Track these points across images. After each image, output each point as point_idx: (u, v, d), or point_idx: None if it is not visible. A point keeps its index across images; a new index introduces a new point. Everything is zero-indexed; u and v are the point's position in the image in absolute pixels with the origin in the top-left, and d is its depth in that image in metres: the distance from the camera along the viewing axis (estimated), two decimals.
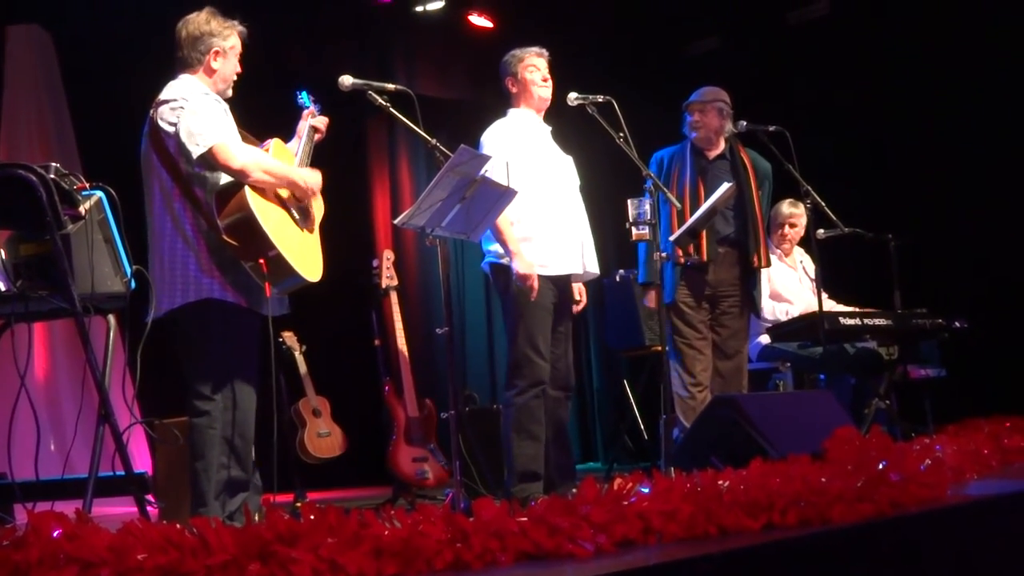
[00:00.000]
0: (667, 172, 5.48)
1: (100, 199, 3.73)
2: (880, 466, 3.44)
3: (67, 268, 3.52)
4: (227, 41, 4.10)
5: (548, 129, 5.12)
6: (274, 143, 4.19)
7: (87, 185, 3.70)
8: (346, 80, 4.16)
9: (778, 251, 6.57)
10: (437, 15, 8.21)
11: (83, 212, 3.63)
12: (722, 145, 5.63)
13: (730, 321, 5.53)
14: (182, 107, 3.90)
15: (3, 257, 3.63)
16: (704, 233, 5.34)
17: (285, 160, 4.17)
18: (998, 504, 3.54)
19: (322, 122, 4.46)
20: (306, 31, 7.60)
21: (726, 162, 5.60)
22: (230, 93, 4.15)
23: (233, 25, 4.13)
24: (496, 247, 4.86)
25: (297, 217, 4.08)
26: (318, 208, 4.25)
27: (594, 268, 5.06)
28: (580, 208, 5.09)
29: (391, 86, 4.23)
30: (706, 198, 5.31)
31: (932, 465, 3.63)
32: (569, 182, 5.09)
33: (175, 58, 4.09)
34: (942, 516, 3.29)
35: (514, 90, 5.07)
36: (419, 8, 8.15)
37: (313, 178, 4.15)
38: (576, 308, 5.14)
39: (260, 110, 4.38)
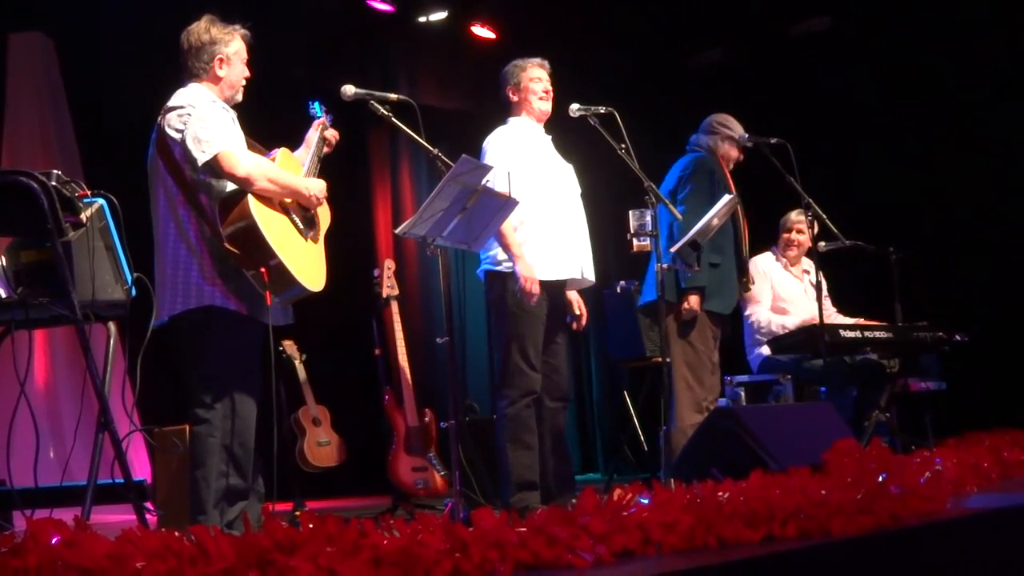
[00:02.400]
0: (720, 181, 5.53)
1: (101, 206, 3.74)
2: (880, 479, 3.43)
3: (68, 275, 3.51)
4: (230, 47, 4.10)
5: (549, 138, 5.13)
6: (281, 152, 4.18)
7: (88, 192, 3.70)
8: (348, 89, 4.16)
9: (783, 259, 6.58)
10: (440, 25, 8.23)
11: (84, 219, 3.63)
12: None
13: (721, 336, 5.57)
14: (189, 114, 3.91)
15: (4, 264, 3.63)
16: (745, 246, 5.47)
17: (292, 170, 4.17)
18: (998, 517, 3.53)
19: (333, 134, 4.45)
20: (308, 41, 7.62)
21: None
22: (240, 98, 4.15)
23: (234, 30, 4.13)
24: (493, 253, 4.86)
25: (301, 227, 4.08)
26: (324, 218, 4.24)
27: (590, 276, 5.06)
28: (580, 215, 5.09)
29: (393, 96, 4.24)
30: (741, 211, 5.40)
31: (932, 478, 3.63)
32: (570, 189, 5.09)
33: (182, 68, 4.09)
34: (942, 529, 3.29)
35: (515, 99, 5.07)
36: (422, 18, 8.17)
37: (317, 186, 4.14)
38: (578, 324, 5.13)
39: (261, 119, 4.38)
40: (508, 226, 4.72)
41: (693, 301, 5.34)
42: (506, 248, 4.78)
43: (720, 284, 5.42)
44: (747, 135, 5.63)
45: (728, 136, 5.70)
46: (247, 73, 4.17)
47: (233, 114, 4.08)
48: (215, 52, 4.06)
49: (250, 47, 4.18)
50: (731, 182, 5.60)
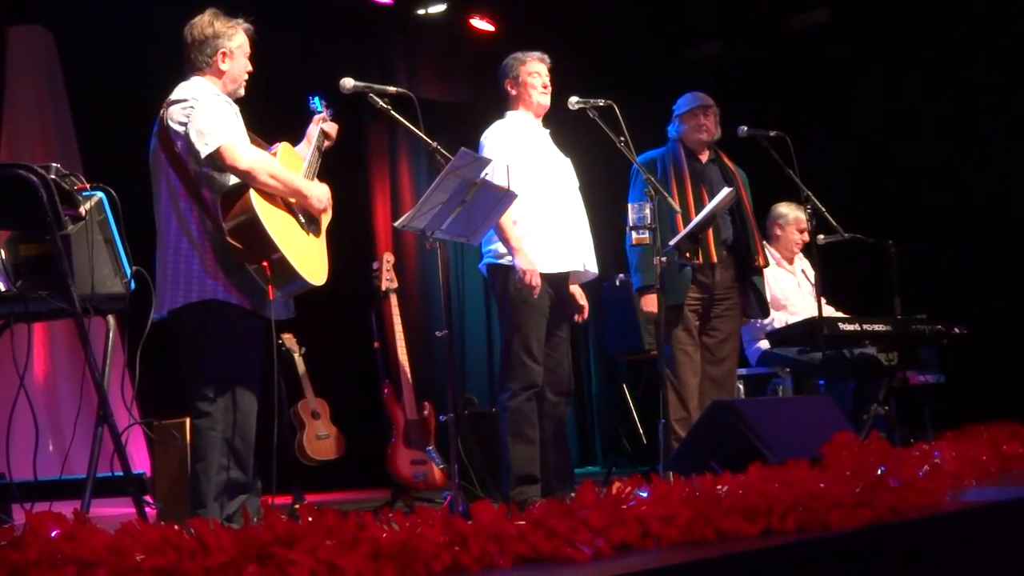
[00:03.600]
0: (663, 175, 5.48)
1: (100, 200, 3.73)
2: (879, 472, 3.44)
3: (67, 269, 3.52)
4: (233, 41, 4.09)
5: (547, 131, 5.14)
6: (282, 147, 4.18)
7: (88, 186, 3.70)
8: (347, 82, 4.16)
9: (776, 255, 6.58)
10: (439, 18, 8.22)
11: (83, 213, 3.63)
12: (708, 151, 5.65)
13: (723, 324, 5.54)
14: (192, 107, 3.90)
15: (3, 257, 3.63)
16: (710, 236, 5.36)
17: (293, 164, 4.16)
18: (997, 510, 3.54)
19: (333, 128, 4.45)
20: (307, 34, 7.60)
21: (715, 167, 5.63)
22: (242, 92, 4.16)
23: (237, 24, 4.13)
24: (495, 247, 4.86)
25: (303, 221, 4.08)
26: (325, 212, 4.24)
27: (593, 268, 5.07)
28: (580, 208, 5.10)
29: (392, 89, 4.23)
30: (709, 200, 5.32)
31: (931, 471, 3.64)
32: (568, 182, 5.10)
33: (184, 61, 4.09)
34: (940, 522, 3.29)
35: (513, 92, 5.08)
36: (421, 11, 8.16)
37: (324, 193, 4.15)
38: (580, 317, 5.14)
39: (260, 113, 4.38)
40: (507, 220, 4.72)
41: (650, 301, 5.30)
42: (505, 242, 4.78)
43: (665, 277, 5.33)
44: (745, 128, 5.59)
45: (677, 117, 5.65)
46: (250, 67, 4.17)
47: (236, 108, 4.08)
48: (218, 46, 4.06)
49: (253, 41, 4.18)
50: (685, 170, 5.49)
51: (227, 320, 3.93)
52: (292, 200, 4.05)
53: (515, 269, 4.74)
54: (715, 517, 2.95)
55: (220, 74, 4.08)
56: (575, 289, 5.12)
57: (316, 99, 4.50)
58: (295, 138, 4.41)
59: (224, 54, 4.07)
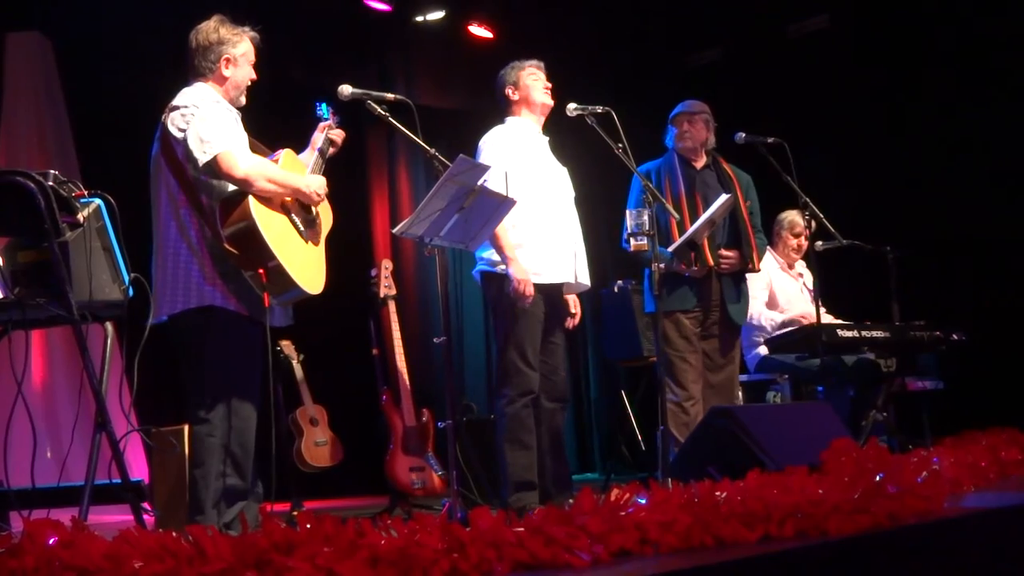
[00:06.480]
0: (658, 184, 5.47)
1: (99, 207, 3.74)
2: (877, 478, 3.44)
3: (65, 276, 3.52)
4: (237, 48, 4.09)
5: (546, 139, 5.14)
6: (285, 153, 4.17)
7: (85, 192, 3.70)
8: (345, 89, 4.15)
9: (780, 260, 6.58)
10: (437, 25, 8.23)
11: (81, 219, 3.64)
12: (705, 156, 5.64)
13: (722, 331, 5.52)
14: (193, 114, 3.90)
15: (1, 264, 3.63)
16: (706, 244, 5.35)
17: (296, 171, 4.15)
18: (995, 517, 3.54)
19: (339, 135, 4.44)
20: (305, 40, 7.61)
21: (712, 172, 5.62)
22: (243, 100, 4.15)
23: (243, 31, 4.13)
24: (489, 254, 4.86)
25: (302, 228, 4.07)
26: (326, 220, 4.23)
27: (585, 279, 5.07)
28: (574, 219, 5.10)
29: (390, 95, 4.23)
30: (703, 208, 5.32)
31: (929, 477, 3.63)
32: (564, 192, 5.10)
33: (188, 66, 4.09)
34: (939, 528, 3.29)
35: (514, 98, 5.08)
36: (419, 18, 8.17)
37: (316, 182, 4.14)
38: (571, 322, 5.14)
39: (259, 120, 4.38)
40: (503, 228, 4.72)
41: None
42: (500, 250, 4.79)
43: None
44: (743, 134, 5.59)
45: (671, 125, 5.64)
46: (253, 75, 4.16)
47: (237, 115, 4.07)
48: (222, 52, 4.06)
49: (258, 50, 4.18)
50: (679, 178, 5.46)
51: (226, 326, 3.92)
52: (291, 203, 4.04)
53: (509, 278, 4.74)
54: (714, 524, 2.94)
55: (223, 80, 4.08)
56: (570, 297, 5.12)
57: (323, 106, 4.47)
58: (294, 145, 4.40)
59: (228, 60, 4.07)
